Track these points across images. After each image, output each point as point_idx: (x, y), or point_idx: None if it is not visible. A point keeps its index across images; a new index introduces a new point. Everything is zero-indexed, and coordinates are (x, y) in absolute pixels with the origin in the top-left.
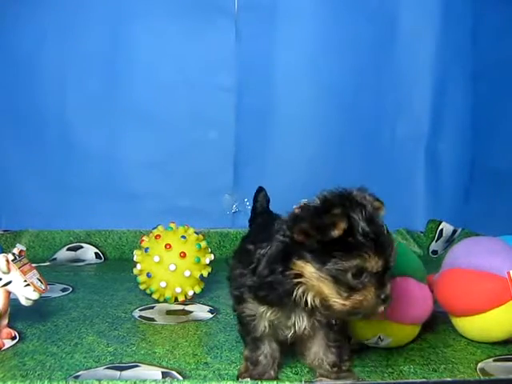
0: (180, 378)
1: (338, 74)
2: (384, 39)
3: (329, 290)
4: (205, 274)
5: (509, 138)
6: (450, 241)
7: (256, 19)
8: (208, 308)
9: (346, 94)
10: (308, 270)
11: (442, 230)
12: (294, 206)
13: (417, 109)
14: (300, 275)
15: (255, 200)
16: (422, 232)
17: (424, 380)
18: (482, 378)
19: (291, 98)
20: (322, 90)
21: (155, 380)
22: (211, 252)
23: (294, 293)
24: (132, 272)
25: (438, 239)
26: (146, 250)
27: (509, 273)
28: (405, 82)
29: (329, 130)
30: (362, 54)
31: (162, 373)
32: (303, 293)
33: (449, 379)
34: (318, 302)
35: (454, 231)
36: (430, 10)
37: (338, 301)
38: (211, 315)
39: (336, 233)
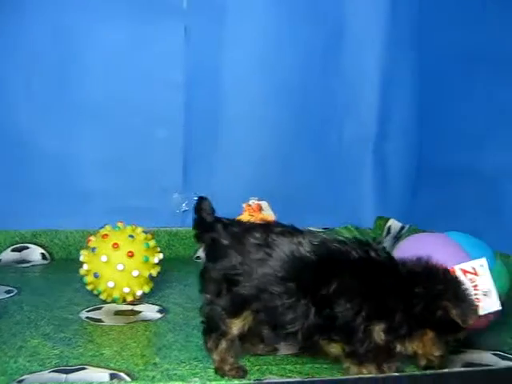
0: (128, 379)
1: (287, 74)
2: (332, 40)
3: (435, 351)
4: (154, 273)
5: (454, 137)
6: (398, 237)
7: (206, 17)
8: (157, 308)
9: (294, 94)
10: (430, 335)
11: (390, 226)
12: (243, 204)
13: (364, 109)
14: None
15: (200, 209)
16: (370, 229)
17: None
18: (428, 371)
19: (241, 97)
20: (271, 90)
21: (101, 382)
22: (160, 251)
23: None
24: (79, 272)
25: (386, 236)
26: (93, 249)
27: (454, 268)
28: (352, 83)
29: (278, 129)
30: (310, 55)
31: (110, 374)
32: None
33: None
34: (410, 351)
35: (402, 228)
36: (377, 12)
37: (433, 356)
38: (160, 315)
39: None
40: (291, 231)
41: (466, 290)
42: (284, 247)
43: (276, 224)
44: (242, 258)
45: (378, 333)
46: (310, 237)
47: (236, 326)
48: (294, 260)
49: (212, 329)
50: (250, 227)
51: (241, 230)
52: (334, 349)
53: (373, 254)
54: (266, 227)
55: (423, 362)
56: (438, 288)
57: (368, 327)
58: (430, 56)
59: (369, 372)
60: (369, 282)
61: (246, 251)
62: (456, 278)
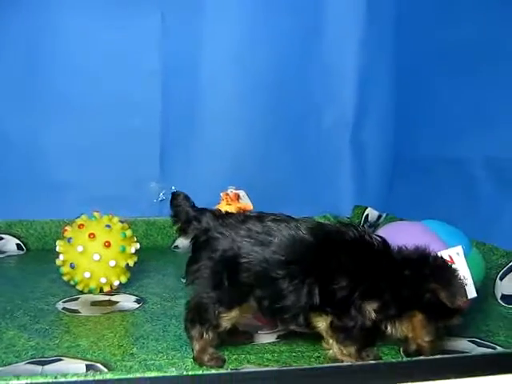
0: (105, 370)
1: (266, 63)
2: (310, 31)
3: (425, 335)
4: (131, 263)
5: (429, 126)
6: (375, 226)
7: (183, 5)
8: (134, 298)
9: (273, 84)
10: (419, 317)
11: (367, 215)
12: (221, 193)
13: (342, 99)
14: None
15: (177, 203)
16: (348, 217)
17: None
18: (405, 359)
19: (218, 85)
20: (249, 78)
21: (77, 374)
22: (137, 241)
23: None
24: (55, 263)
25: (363, 224)
26: (69, 239)
27: None
28: (331, 73)
29: (256, 117)
30: (289, 43)
31: (86, 365)
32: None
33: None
34: (400, 334)
35: (379, 216)
36: (355, 5)
37: (423, 341)
38: (137, 305)
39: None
40: (285, 218)
41: (456, 273)
42: (283, 232)
43: (268, 213)
44: (243, 246)
45: (370, 311)
46: (305, 221)
47: (230, 319)
48: (295, 243)
49: (201, 320)
50: (244, 217)
51: (236, 220)
52: (323, 322)
53: (367, 236)
54: (260, 216)
55: (413, 347)
56: (426, 271)
57: (362, 305)
58: (407, 50)
59: (348, 353)
60: (364, 261)
61: (245, 240)
62: (446, 262)
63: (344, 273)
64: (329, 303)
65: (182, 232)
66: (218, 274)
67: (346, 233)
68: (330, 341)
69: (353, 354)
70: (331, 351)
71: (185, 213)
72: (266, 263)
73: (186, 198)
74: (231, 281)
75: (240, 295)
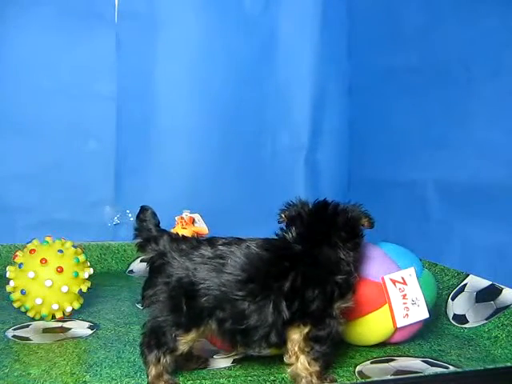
0: None
1: (220, 85)
2: (265, 51)
3: None
4: (84, 288)
5: (382, 148)
6: None
7: (136, 28)
8: (88, 324)
9: (228, 105)
10: None
11: None
12: (176, 217)
13: (297, 121)
14: None
15: (143, 218)
16: None
17: None
18: (359, 380)
19: (173, 108)
20: (204, 100)
21: None
22: (91, 266)
23: None
24: (5, 289)
25: None
26: (20, 265)
27: (383, 278)
28: (285, 95)
29: (211, 140)
30: (243, 66)
31: None
32: None
33: None
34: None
35: None
36: (308, 25)
37: None
38: (91, 331)
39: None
40: (234, 240)
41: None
42: (236, 253)
43: (218, 237)
44: (198, 273)
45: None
46: (252, 240)
47: (187, 342)
48: (251, 258)
49: (158, 344)
50: (197, 242)
51: (189, 246)
52: (298, 333)
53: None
54: (211, 241)
55: None
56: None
57: (335, 310)
58: (359, 73)
59: (313, 370)
60: (319, 267)
61: (200, 266)
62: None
63: (313, 283)
64: (306, 314)
65: (141, 249)
66: (175, 298)
67: (291, 247)
68: (298, 353)
69: (316, 372)
70: (293, 367)
71: (146, 231)
72: (223, 286)
73: (153, 214)
74: (190, 305)
75: (199, 318)
